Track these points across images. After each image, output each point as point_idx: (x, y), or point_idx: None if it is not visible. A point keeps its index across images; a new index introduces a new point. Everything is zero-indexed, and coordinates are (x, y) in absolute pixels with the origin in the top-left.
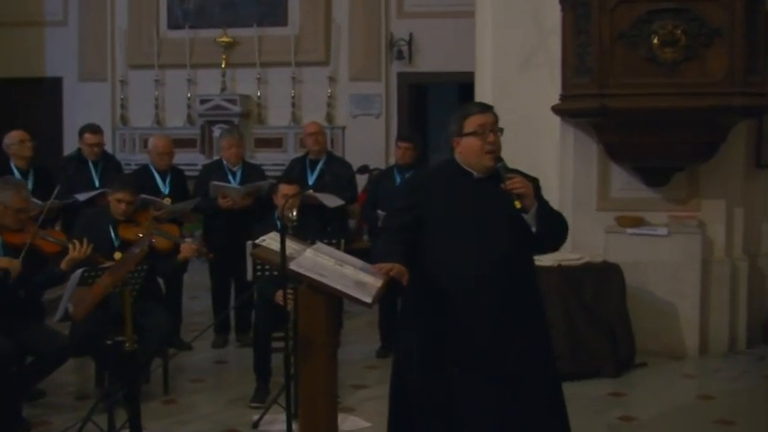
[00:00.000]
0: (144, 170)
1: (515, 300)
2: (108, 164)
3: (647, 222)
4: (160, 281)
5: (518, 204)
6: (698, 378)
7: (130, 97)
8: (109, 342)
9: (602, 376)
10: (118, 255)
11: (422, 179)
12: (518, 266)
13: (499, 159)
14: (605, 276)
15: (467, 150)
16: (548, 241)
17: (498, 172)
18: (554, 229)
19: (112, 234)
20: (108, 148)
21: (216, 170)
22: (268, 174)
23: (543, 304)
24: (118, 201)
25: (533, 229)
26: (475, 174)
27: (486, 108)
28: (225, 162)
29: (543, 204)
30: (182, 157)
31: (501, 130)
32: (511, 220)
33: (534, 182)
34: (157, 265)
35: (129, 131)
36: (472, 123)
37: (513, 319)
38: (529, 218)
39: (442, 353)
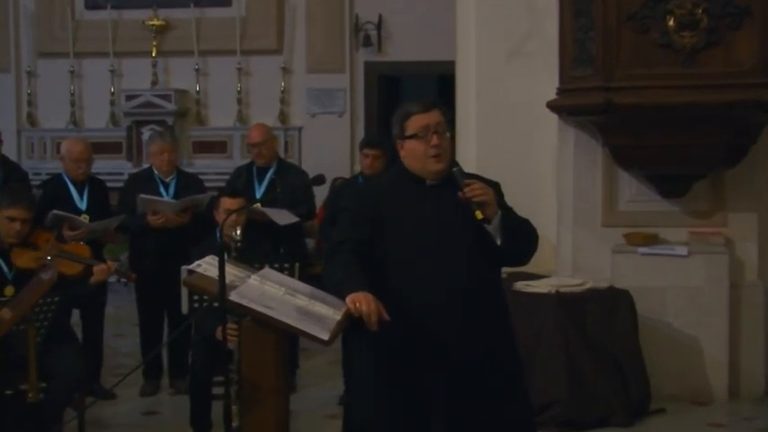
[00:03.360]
0: (56, 181)
1: (483, 326)
2: (10, 173)
3: (663, 240)
4: (74, 316)
5: (479, 214)
6: (727, 427)
7: (40, 92)
8: (9, 392)
9: (610, 425)
10: (10, 290)
11: (372, 189)
12: (482, 287)
13: (454, 164)
14: (613, 305)
15: (410, 155)
16: (514, 254)
17: (453, 177)
18: (521, 240)
19: (2, 263)
20: (11, 154)
21: (145, 181)
22: (209, 185)
23: (511, 327)
24: (10, 219)
25: (498, 242)
26: (427, 180)
27: (428, 106)
28: (155, 171)
29: (507, 212)
30: (104, 165)
31: (448, 131)
32: (472, 231)
33: (495, 187)
34: (67, 295)
35: (37, 134)
36: (414, 125)
37: (484, 348)
38: (492, 229)
39: (416, 398)
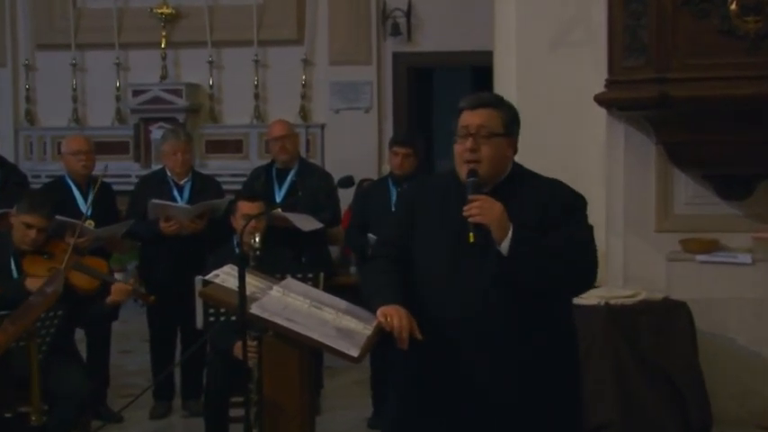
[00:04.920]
0: (58, 184)
1: (507, 354)
2: (8, 176)
3: (724, 247)
4: (78, 331)
5: (471, 237)
6: None
7: (39, 88)
8: (8, 415)
9: None
10: None
11: (414, 191)
12: (509, 311)
13: (472, 173)
14: (668, 318)
15: (455, 156)
16: (541, 286)
17: (466, 189)
18: (544, 272)
19: (14, 269)
20: (8, 155)
21: (157, 184)
22: (223, 188)
23: (564, 356)
24: (27, 226)
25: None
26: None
27: (476, 104)
28: (168, 173)
29: (537, 237)
30: (109, 167)
31: (501, 136)
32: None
33: (576, 201)
34: (78, 312)
35: (37, 133)
36: (459, 122)
37: (512, 381)
38: (504, 252)
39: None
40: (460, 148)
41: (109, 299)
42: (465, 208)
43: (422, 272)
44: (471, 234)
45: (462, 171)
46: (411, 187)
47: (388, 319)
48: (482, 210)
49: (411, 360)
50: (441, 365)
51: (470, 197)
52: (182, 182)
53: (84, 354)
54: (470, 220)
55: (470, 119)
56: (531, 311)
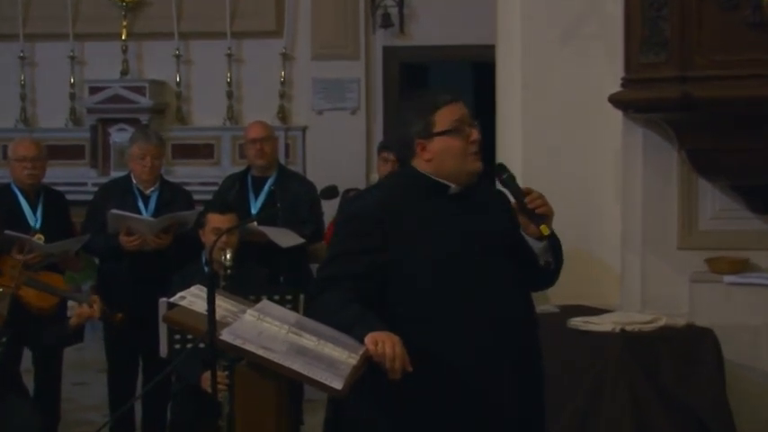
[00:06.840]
0: (4, 192)
1: (530, 369)
2: None
3: (755, 267)
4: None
5: (545, 230)
6: None
7: None
8: None
9: None
10: None
11: (378, 204)
12: (528, 319)
13: (502, 167)
14: (692, 347)
15: (443, 155)
16: (551, 276)
17: (505, 184)
18: (560, 259)
19: None
20: None
21: (120, 192)
22: (193, 198)
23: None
24: None
25: (541, 261)
26: (452, 187)
27: (457, 96)
28: (135, 180)
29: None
30: (62, 174)
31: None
32: (510, 250)
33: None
34: (31, 334)
35: None
36: (446, 117)
37: (528, 395)
38: (541, 247)
39: None
40: (461, 143)
41: (73, 320)
42: (528, 199)
43: (430, 292)
44: (545, 226)
45: (469, 164)
46: (367, 201)
47: (379, 346)
48: (544, 200)
49: (420, 391)
50: (465, 388)
51: (527, 188)
52: (148, 191)
53: (30, 386)
54: (539, 211)
55: (463, 110)
56: (535, 315)
